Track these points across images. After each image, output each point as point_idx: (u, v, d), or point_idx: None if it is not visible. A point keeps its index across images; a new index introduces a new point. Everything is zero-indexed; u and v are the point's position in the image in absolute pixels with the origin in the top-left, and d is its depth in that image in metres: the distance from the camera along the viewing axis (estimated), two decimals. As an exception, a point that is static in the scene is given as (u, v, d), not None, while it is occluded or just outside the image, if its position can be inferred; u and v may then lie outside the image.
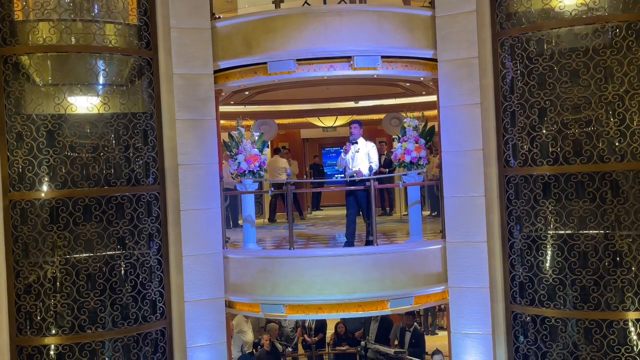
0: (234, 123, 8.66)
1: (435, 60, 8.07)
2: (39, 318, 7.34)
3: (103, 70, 7.57)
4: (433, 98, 9.45)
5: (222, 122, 9.64)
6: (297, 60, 7.93)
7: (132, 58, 7.76)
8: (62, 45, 7.40)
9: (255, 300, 8.08)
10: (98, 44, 7.49)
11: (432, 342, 11.87)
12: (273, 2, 8.75)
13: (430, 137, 8.41)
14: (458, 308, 7.92)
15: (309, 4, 9.14)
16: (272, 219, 13.11)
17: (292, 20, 7.96)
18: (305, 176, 15.61)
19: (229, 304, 8.26)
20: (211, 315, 7.98)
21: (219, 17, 8.42)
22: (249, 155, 8.23)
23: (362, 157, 8.72)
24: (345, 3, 9.25)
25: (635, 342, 7.08)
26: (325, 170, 16.85)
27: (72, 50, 7.45)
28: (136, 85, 7.84)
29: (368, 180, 8.39)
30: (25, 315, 7.36)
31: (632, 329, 7.11)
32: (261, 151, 8.41)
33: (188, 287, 7.88)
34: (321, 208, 15.33)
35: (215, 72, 8.17)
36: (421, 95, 11.58)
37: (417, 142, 8.19)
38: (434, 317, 13.80)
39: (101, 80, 7.60)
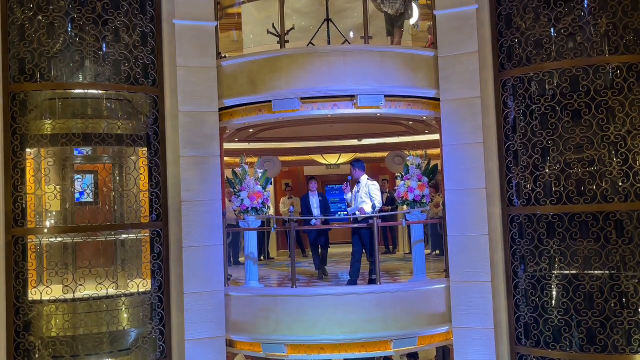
0: (237, 160, 8.69)
1: (438, 99, 8.15)
2: (37, 355, 7.24)
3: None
4: (436, 136, 9.50)
5: (225, 159, 9.68)
6: (301, 98, 8.02)
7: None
8: (70, 83, 7.51)
9: (256, 339, 7.97)
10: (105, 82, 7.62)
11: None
12: (278, 42, 8.89)
13: (433, 175, 8.43)
14: (462, 349, 7.80)
15: (313, 44, 9.28)
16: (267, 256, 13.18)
17: (297, 60, 8.07)
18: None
19: (230, 343, 8.14)
20: (211, 355, 7.85)
21: (225, 56, 8.54)
22: (252, 192, 8.24)
23: (364, 195, 8.73)
24: (349, 43, 9.40)
25: (643, 386, 6.95)
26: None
27: (79, 88, 7.55)
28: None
29: (371, 218, 8.37)
30: (23, 353, 7.26)
31: (640, 372, 6.98)
32: (264, 188, 8.43)
33: (189, 326, 7.78)
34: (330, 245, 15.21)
35: (220, 109, 8.24)
36: (424, 133, 11.62)
37: (420, 180, 8.21)
38: (440, 355, 13.47)
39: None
